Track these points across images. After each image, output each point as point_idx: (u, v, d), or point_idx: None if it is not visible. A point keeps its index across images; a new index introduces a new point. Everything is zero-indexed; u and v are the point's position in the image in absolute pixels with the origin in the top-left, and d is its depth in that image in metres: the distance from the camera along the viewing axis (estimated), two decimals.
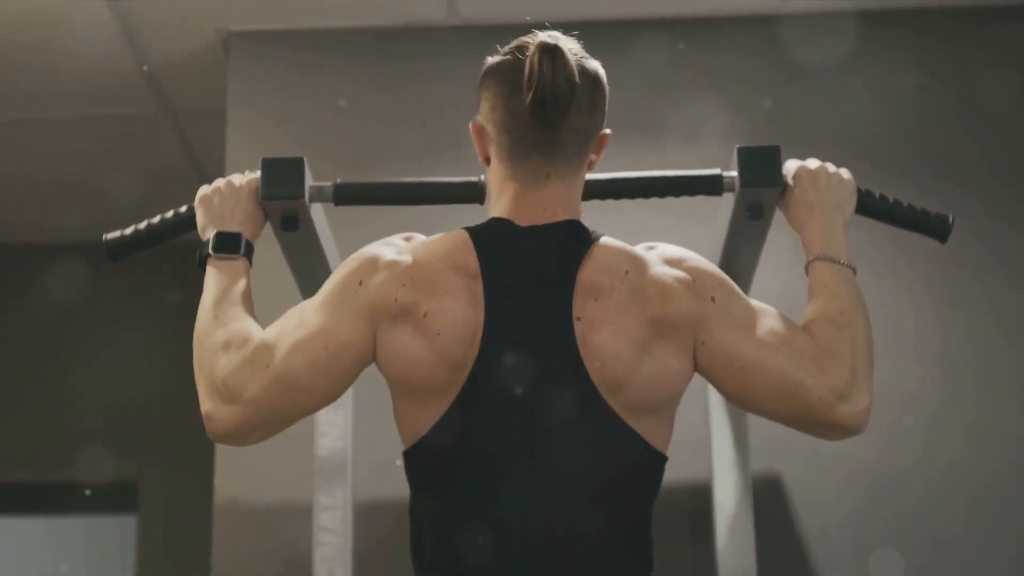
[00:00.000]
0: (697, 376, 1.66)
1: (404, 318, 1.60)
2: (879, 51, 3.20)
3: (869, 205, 1.99)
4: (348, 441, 2.54)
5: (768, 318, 1.65)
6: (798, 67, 3.17)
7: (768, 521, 2.75)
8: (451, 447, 1.58)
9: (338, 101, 3.23)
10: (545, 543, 1.56)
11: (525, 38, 1.64)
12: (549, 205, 1.66)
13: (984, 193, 3.07)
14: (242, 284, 1.75)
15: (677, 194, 2.06)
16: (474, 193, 2.03)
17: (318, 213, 2.11)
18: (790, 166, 1.93)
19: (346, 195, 2.07)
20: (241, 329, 1.66)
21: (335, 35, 3.27)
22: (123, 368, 4.56)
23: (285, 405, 1.61)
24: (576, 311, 1.59)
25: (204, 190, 1.89)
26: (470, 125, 1.72)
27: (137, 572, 4.56)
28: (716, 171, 2.03)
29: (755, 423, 2.46)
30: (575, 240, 1.64)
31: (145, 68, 3.43)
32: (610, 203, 2.06)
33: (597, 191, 2.00)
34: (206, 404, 1.62)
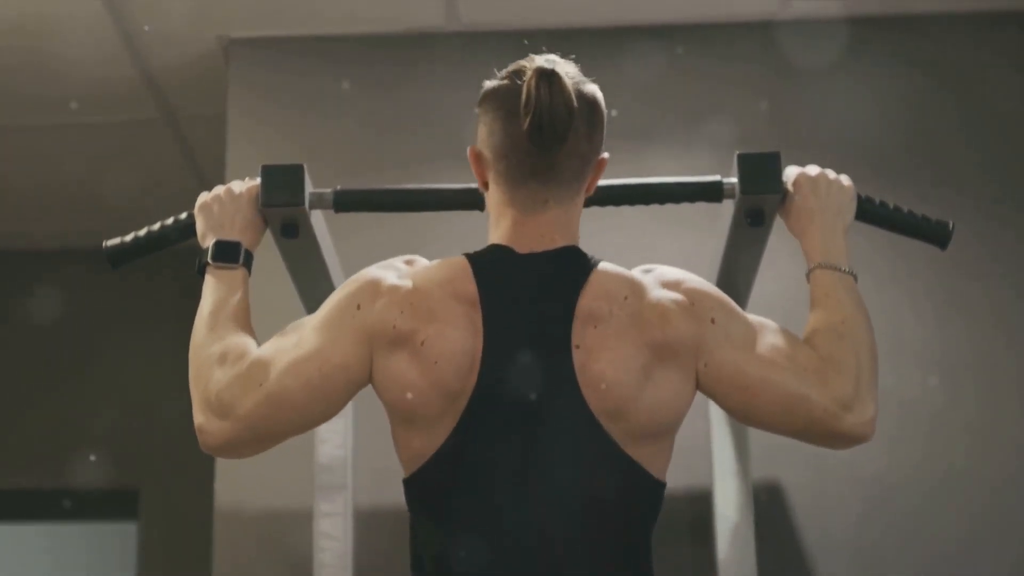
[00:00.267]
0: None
1: (402, 344, 1.58)
2: (877, 57, 3.20)
3: (869, 212, 1.98)
4: (348, 448, 2.54)
5: (769, 334, 1.64)
6: (796, 73, 3.17)
7: (769, 528, 2.75)
8: (450, 478, 1.57)
9: (338, 107, 3.23)
10: (543, 572, 1.54)
11: (522, 62, 1.63)
12: (547, 231, 1.64)
13: (984, 198, 3.07)
14: (240, 294, 1.75)
15: (677, 201, 2.06)
16: (474, 200, 2.01)
17: (318, 220, 2.10)
18: (790, 172, 1.92)
19: (346, 202, 2.06)
20: (237, 343, 1.66)
21: (335, 42, 3.27)
22: (124, 374, 4.56)
23: (277, 423, 1.61)
24: (575, 339, 1.58)
25: (204, 197, 1.89)
26: (468, 151, 1.70)
27: None
28: (716, 178, 2.02)
29: (756, 430, 2.46)
30: (574, 267, 1.63)
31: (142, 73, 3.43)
32: (610, 210, 2.06)
33: (596, 198, 1.98)
34: (199, 417, 1.62)
